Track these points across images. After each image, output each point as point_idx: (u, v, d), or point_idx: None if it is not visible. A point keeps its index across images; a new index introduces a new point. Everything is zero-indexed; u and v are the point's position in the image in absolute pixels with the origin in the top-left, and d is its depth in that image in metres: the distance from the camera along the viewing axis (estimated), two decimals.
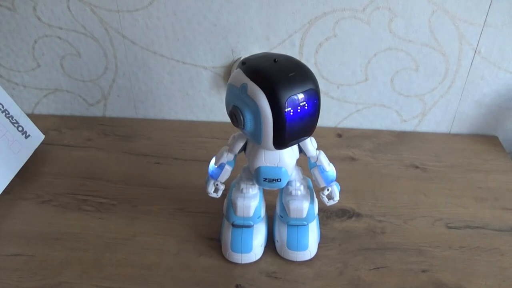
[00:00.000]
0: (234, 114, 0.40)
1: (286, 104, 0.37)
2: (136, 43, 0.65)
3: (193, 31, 0.63)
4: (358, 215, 0.54)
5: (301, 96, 0.38)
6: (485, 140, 0.68)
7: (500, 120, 0.68)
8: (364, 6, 0.59)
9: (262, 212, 0.48)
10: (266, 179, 0.44)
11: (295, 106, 0.38)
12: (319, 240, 0.50)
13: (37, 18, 0.63)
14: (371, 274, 0.47)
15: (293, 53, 0.64)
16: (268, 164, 0.44)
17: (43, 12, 0.63)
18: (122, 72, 0.68)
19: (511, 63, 0.63)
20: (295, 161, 0.45)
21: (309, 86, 0.38)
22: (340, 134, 0.69)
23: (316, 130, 0.41)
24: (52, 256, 0.49)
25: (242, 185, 0.46)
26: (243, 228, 0.47)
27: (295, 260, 0.48)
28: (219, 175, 0.46)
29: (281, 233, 0.48)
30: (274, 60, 0.39)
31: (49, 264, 0.48)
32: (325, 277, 0.47)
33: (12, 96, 0.67)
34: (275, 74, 0.38)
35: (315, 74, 0.40)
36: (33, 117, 0.63)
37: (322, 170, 0.45)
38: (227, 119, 0.44)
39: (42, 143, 0.63)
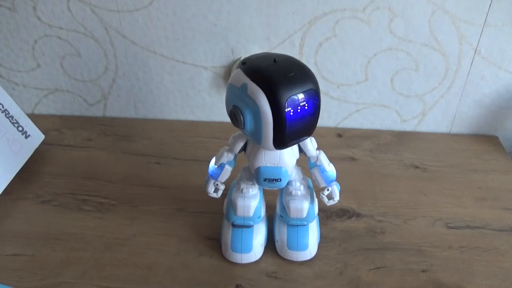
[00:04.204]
0: (234, 114, 0.40)
1: (286, 104, 0.37)
2: (136, 43, 0.65)
3: (193, 31, 0.63)
4: (358, 215, 0.54)
5: (301, 96, 0.38)
6: (485, 140, 0.68)
7: (500, 120, 0.68)
8: (364, 6, 0.59)
9: (262, 212, 0.48)
10: (266, 179, 0.44)
11: (295, 106, 0.38)
12: (319, 240, 0.50)
13: (37, 18, 0.63)
14: (371, 274, 0.47)
15: (293, 53, 0.64)
16: (268, 164, 0.44)
17: (43, 12, 0.63)
18: (122, 72, 0.68)
19: (511, 63, 0.63)
20: (295, 161, 0.45)
21: (309, 86, 0.38)
22: (340, 134, 0.69)
23: (316, 130, 0.41)
24: (52, 256, 0.49)
25: (242, 185, 0.46)
26: (243, 228, 0.47)
27: (295, 260, 0.48)
28: (219, 175, 0.46)
29: (281, 233, 0.48)
30: (274, 60, 0.39)
31: (49, 264, 0.48)
32: (325, 277, 0.47)
33: (12, 96, 0.67)
34: (275, 74, 0.38)
35: (315, 74, 0.40)
36: (33, 117, 0.63)
37: (322, 170, 0.45)
38: (227, 119, 0.44)
39: (42, 143, 0.63)
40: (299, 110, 0.38)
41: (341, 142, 0.67)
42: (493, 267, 0.48)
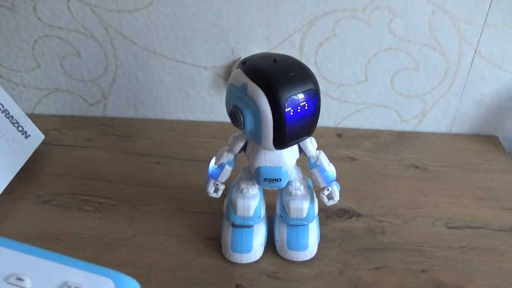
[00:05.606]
0: (234, 114, 0.40)
1: (286, 104, 0.37)
2: (136, 43, 0.65)
3: (193, 31, 0.63)
4: (358, 215, 0.54)
5: (301, 96, 0.38)
6: (485, 140, 0.68)
7: (500, 120, 0.68)
8: (364, 6, 0.59)
9: (262, 212, 0.48)
10: (266, 179, 0.44)
11: (295, 106, 0.38)
12: (319, 240, 0.50)
13: (37, 18, 0.63)
14: (371, 274, 0.47)
15: (293, 53, 0.64)
16: (268, 164, 0.44)
17: (43, 12, 0.63)
18: (122, 72, 0.68)
19: (511, 63, 0.63)
20: (295, 161, 0.45)
21: (309, 86, 0.38)
22: (340, 134, 0.69)
23: (316, 130, 0.41)
24: None
25: (242, 185, 0.46)
26: (243, 228, 0.47)
27: (295, 260, 0.48)
28: (219, 175, 0.46)
29: (281, 233, 0.48)
30: (274, 60, 0.39)
31: None
32: (325, 277, 0.47)
33: (12, 96, 0.67)
34: (275, 74, 0.38)
35: (315, 74, 0.40)
36: (33, 117, 0.63)
37: (322, 170, 0.45)
38: (227, 119, 0.44)
39: (42, 143, 0.63)
40: (299, 110, 0.38)
41: (341, 142, 0.67)
42: (493, 267, 0.48)
